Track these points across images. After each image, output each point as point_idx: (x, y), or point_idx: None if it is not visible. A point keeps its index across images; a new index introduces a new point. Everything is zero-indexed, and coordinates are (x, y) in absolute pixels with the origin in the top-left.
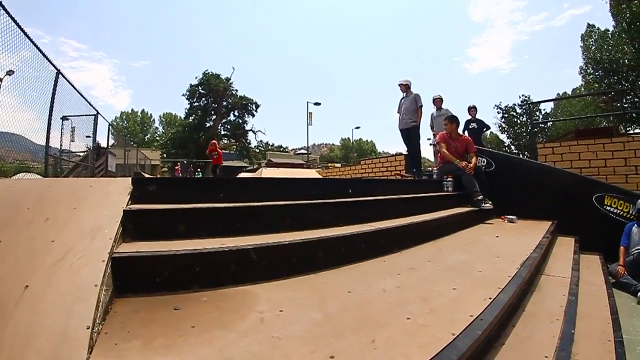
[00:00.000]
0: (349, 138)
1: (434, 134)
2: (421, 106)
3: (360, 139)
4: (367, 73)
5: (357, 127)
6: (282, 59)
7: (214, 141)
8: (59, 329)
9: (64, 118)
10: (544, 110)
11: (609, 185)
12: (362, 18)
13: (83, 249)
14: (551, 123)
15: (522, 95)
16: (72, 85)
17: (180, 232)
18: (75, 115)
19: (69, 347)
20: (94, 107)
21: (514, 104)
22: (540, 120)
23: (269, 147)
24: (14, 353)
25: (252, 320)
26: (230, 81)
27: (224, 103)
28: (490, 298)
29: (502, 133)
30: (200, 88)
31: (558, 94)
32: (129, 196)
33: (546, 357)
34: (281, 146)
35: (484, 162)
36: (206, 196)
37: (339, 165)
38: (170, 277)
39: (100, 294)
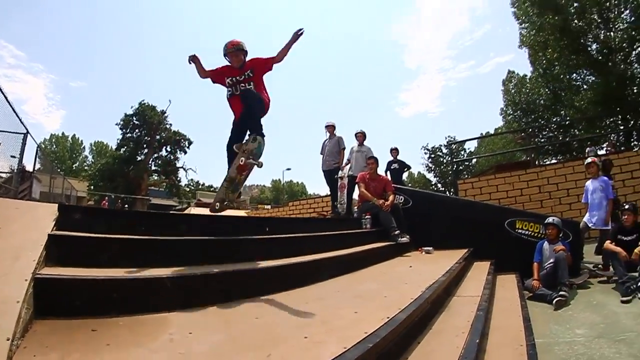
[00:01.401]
0: (279, 179)
1: (342, 167)
2: (343, 148)
3: (291, 181)
4: (299, 114)
5: (288, 169)
6: (216, 95)
7: None
8: None
9: None
10: (468, 149)
11: (518, 210)
12: (298, 59)
13: (7, 267)
14: (475, 161)
15: (448, 136)
16: (6, 99)
17: (101, 260)
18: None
19: None
20: (24, 126)
21: (440, 145)
22: (464, 158)
23: (199, 187)
24: None
25: (162, 341)
26: (166, 114)
27: (157, 137)
28: (388, 317)
29: (429, 172)
30: (134, 119)
31: (481, 133)
32: (54, 222)
33: None
34: (212, 186)
35: (401, 199)
36: (129, 228)
37: (269, 207)
38: (89, 302)
39: (22, 310)
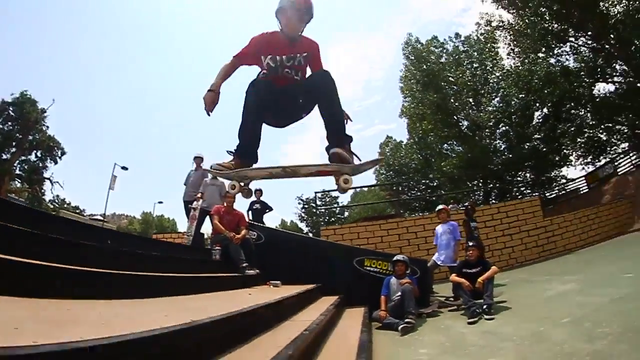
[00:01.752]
0: (150, 212)
1: (197, 198)
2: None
3: (162, 215)
4: (176, 147)
5: (160, 202)
6: (101, 109)
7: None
8: None
9: None
10: (341, 202)
11: (366, 250)
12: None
13: None
14: (347, 213)
15: (323, 189)
16: None
17: None
18: None
19: None
20: None
21: (315, 195)
22: (337, 207)
23: (65, 205)
24: None
25: None
26: (46, 114)
27: (30, 137)
28: (192, 320)
29: (301, 222)
30: (11, 109)
31: (355, 189)
32: None
33: None
34: (77, 207)
35: (254, 235)
36: None
37: None
38: None
39: None
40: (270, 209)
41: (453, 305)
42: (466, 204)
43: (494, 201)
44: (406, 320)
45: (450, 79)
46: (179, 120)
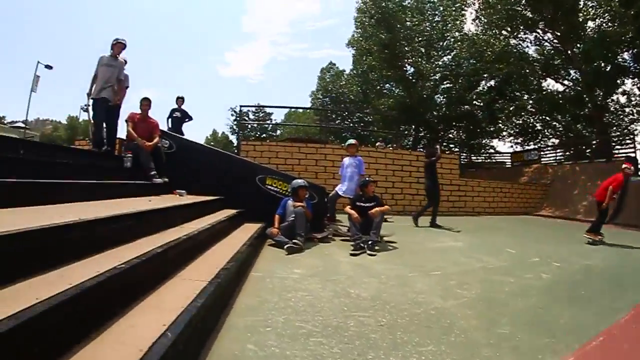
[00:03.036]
0: (77, 116)
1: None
2: (127, 87)
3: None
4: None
5: (86, 107)
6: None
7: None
8: None
9: None
10: (275, 119)
11: (269, 169)
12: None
13: None
14: (280, 132)
15: (258, 103)
16: None
17: None
18: None
19: None
20: None
21: (248, 110)
22: (269, 125)
23: None
24: None
25: None
26: None
27: None
28: (80, 218)
29: (232, 134)
30: None
31: (290, 108)
32: None
33: (122, 264)
34: None
35: (167, 144)
36: None
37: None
38: None
39: None
40: (190, 118)
41: (346, 235)
42: (391, 147)
43: (420, 149)
44: (293, 241)
45: (407, 22)
46: (112, 11)
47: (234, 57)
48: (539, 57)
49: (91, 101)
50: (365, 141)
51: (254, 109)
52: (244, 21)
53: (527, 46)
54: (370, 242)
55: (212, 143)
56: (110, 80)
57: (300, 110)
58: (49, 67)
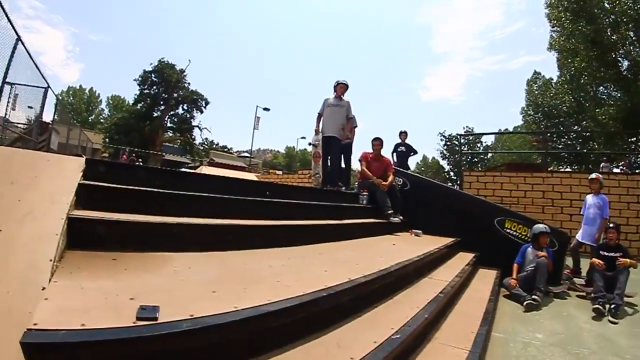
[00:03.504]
0: (294, 147)
1: (315, 130)
2: (355, 127)
3: (305, 150)
4: (319, 84)
5: (303, 137)
6: (238, 59)
7: None
8: (29, 260)
9: (8, 84)
10: (485, 142)
11: (509, 210)
12: (323, 33)
13: (45, 209)
14: (491, 155)
15: (466, 126)
16: (30, 55)
17: (121, 207)
18: (22, 84)
19: (36, 271)
20: (45, 80)
21: (457, 134)
22: (480, 151)
23: (213, 146)
24: None
25: (168, 270)
26: (184, 73)
27: (175, 95)
28: (349, 278)
29: (443, 159)
30: (153, 75)
31: (500, 129)
32: (81, 173)
33: (392, 328)
34: (225, 146)
35: (400, 181)
36: (147, 182)
37: (280, 172)
38: (110, 239)
39: (59, 241)
40: (415, 152)
41: (583, 291)
42: (619, 167)
43: None
44: (533, 297)
45: (606, 5)
46: (315, 60)
47: (432, 81)
48: None
49: (320, 137)
50: (584, 164)
51: (463, 132)
52: (432, 45)
53: None
54: (613, 307)
55: (422, 169)
56: (337, 120)
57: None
58: (266, 109)
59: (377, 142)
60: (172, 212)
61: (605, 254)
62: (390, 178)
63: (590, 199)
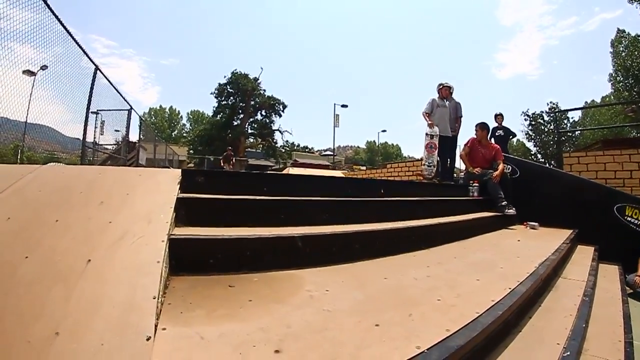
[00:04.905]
0: (374, 141)
1: (429, 124)
2: (461, 116)
3: (386, 143)
4: (394, 76)
5: (384, 131)
6: (311, 60)
7: None
8: (125, 299)
9: (94, 112)
10: (572, 118)
11: (630, 196)
12: (390, 20)
13: (141, 230)
14: (579, 132)
15: (550, 102)
16: (109, 81)
17: (227, 219)
18: (107, 110)
19: (136, 314)
20: (128, 103)
21: (542, 112)
22: (567, 129)
23: (295, 147)
24: (80, 318)
25: (302, 297)
26: (259, 81)
27: (252, 102)
28: (509, 288)
29: (528, 141)
30: (228, 87)
31: (586, 101)
32: (178, 185)
33: (558, 344)
34: (307, 147)
35: (509, 169)
36: (250, 189)
37: (364, 167)
38: (221, 259)
39: (162, 269)
40: (514, 134)
41: None
42: None
43: None
44: None
45: None
46: (390, 52)
47: (506, 56)
48: None
49: (437, 130)
50: None
51: (546, 109)
52: (499, 16)
53: None
54: None
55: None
56: (443, 118)
57: (599, 101)
58: (344, 106)
59: (479, 128)
60: (286, 222)
61: None
62: (501, 166)
63: None
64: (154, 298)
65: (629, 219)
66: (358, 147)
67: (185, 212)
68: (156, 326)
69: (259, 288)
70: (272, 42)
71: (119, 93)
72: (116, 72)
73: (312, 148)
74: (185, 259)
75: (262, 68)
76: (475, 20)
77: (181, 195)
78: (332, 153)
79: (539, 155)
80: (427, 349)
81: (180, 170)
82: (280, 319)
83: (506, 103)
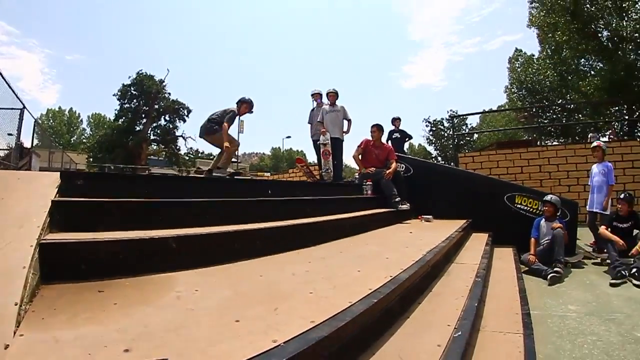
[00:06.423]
0: (279, 147)
1: (322, 132)
2: (350, 119)
3: (291, 149)
4: (300, 83)
5: (288, 137)
6: (217, 63)
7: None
8: None
9: None
10: (470, 124)
11: (519, 185)
12: (299, 26)
13: (11, 235)
14: (477, 136)
15: (450, 110)
16: (2, 76)
17: (105, 223)
18: None
19: None
20: (21, 101)
21: (442, 118)
22: (466, 132)
23: (199, 155)
24: None
25: (169, 298)
26: (164, 83)
27: (156, 106)
28: (391, 276)
29: (429, 145)
30: (132, 89)
31: (484, 110)
32: (57, 189)
33: (449, 325)
34: (211, 154)
35: (402, 167)
36: (131, 191)
37: (269, 174)
38: (94, 265)
39: (28, 275)
40: (410, 137)
41: (597, 258)
42: (606, 136)
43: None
44: (555, 269)
45: None
46: (295, 59)
47: (412, 68)
48: None
49: (329, 137)
50: (570, 136)
51: (447, 116)
52: (410, 31)
53: None
54: (635, 270)
55: (409, 155)
56: (334, 122)
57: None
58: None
59: (375, 129)
60: (163, 224)
61: (619, 225)
62: (394, 165)
63: (595, 167)
64: (16, 304)
65: (518, 206)
66: (264, 154)
67: (61, 216)
68: (15, 332)
69: (128, 292)
70: (180, 41)
71: (11, 88)
72: (15, 64)
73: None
74: (56, 266)
75: (168, 70)
76: (386, 34)
77: (57, 198)
78: (236, 160)
79: (439, 158)
80: (284, 342)
81: (59, 172)
82: (140, 319)
83: (410, 111)
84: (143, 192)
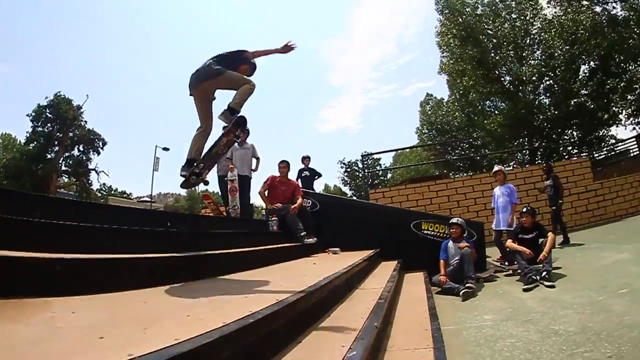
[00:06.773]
0: (195, 189)
1: (230, 168)
2: (259, 158)
3: (207, 190)
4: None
5: (206, 182)
6: (138, 94)
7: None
8: None
9: None
10: (383, 164)
11: (423, 213)
12: None
13: None
14: (390, 175)
15: (365, 151)
16: None
17: None
18: None
19: None
20: None
21: (356, 160)
22: (381, 169)
23: (112, 192)
24: None
25: (43, 318)
26: (82, 110)
27: (70, 134)
28: (277, 300)
29: (344, 186)
30: (48, 111)
31: (397, 148)
32: None
33: (343, 346)
34: (125, 192)
35: (309, 203)
36: (23, 212)
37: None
38: None
39: None
40: (319, 175)
41: (508, 269)
42: (510, 166)
43: (540, 161)
44: (467, 285)
45: (489, 31)
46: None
47: (330, 112)
48: (630, 14)
49: (236, 173)
50: (478, 169)
51: (360, 157)
52: (330, 77)
53: (613, 7)
54: (544, 273)
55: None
56: (243, 159)
57: (408, 151)
58: (166, 149)
59: (284, 165)
60: (49, 247)
61: (524, 236)
62: (300, 200)
63: (498, 190)
64: None
65: (425, 232)
66: (179, 194)
67: None
68: None
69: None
70: (103, 71)
71: None
72: None
73: (130, 194)
74: None
75: (87, 95)
76: (308, 78)
77: None
78: (150, 200)
79: (355, 198)
80: (139, 356)
81: None
82: (5, 335)
83: (327, 153)
84: (36, 213)
